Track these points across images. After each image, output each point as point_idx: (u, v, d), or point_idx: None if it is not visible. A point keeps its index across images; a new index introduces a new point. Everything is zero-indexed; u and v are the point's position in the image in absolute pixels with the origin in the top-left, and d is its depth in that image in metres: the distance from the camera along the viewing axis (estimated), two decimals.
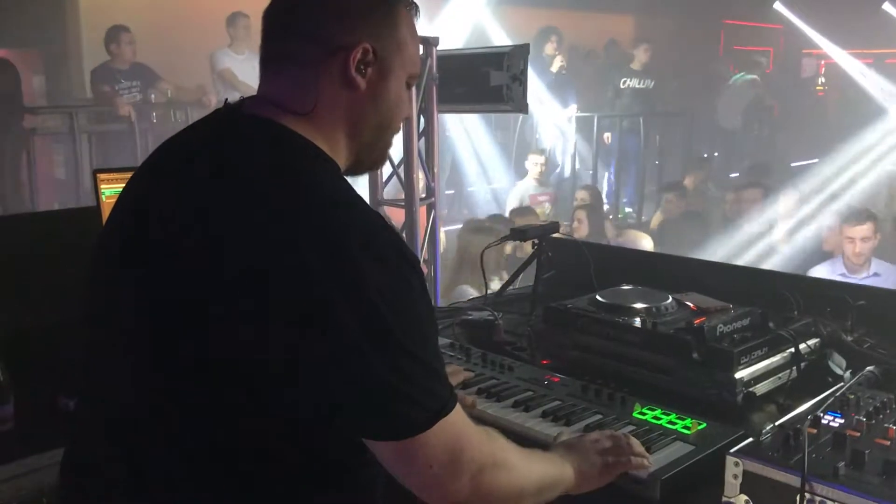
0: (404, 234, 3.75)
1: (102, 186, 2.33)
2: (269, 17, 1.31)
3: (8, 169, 6.66)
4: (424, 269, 4.00)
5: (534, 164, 7.64)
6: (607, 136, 8.88)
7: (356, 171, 1.37)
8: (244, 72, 6.75)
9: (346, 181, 1.25)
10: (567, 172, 8.96)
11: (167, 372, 1.15)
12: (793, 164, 9.58)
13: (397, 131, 1.41)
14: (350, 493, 1.24)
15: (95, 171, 2.38)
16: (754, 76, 10.29)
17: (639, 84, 8.90)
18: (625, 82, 8.84)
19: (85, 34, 8.24)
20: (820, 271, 4.66)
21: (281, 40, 1.29)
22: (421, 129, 3.80)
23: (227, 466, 1.15)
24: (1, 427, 1.86)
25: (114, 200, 1.37)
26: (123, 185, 1.37)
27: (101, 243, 1.31)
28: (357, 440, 1.17)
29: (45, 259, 2.26)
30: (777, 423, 1.45)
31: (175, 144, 1.33)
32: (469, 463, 1.18)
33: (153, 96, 7.16)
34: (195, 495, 1.16)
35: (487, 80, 3.36)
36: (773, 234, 5.73)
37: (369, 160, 1.38)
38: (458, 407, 1.19)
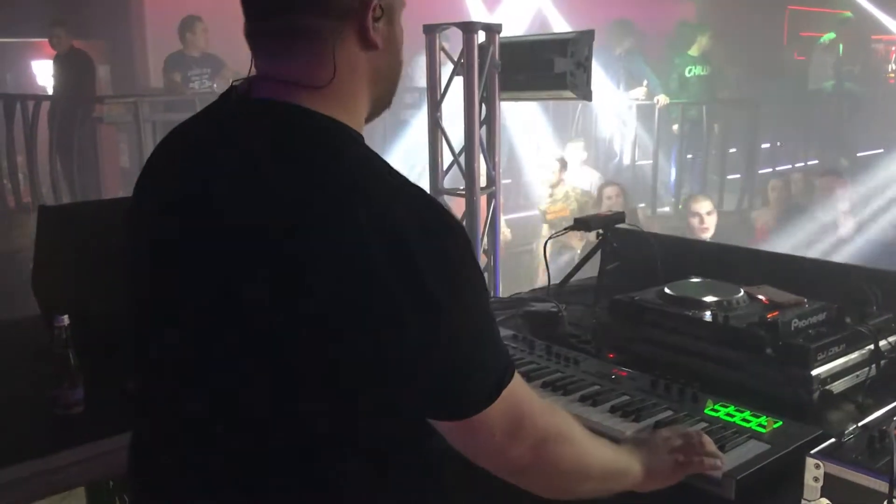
0: (465, 224, 3.72)
1: None
2: None
3: (80, 157, 6.84)
4: (484, 259, 3.96)
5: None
6: (675, 127, 8.67)
7: (371, 118, 1.31)
8: None
9: (382, 159, 1.19)
10: (627, 161, 8.82)
11: (228, 361, 1.14)
12: (859, 154, 9.26)
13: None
14: (415, 473, 1.22)
15: None
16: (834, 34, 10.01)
17: (701, 71, 8.69)
18: (690, 70, 8.64)
19: (149, 25, 8.41)
20: None
21: (279, 15, 1.20)
22: (482, 118, 3.75)
23: (296, 449, 1.13)
24: (72, 411, 1.90)
25: None
26: None
27: (130, 245, 1.31)
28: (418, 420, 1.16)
29: (113, 244, 2.29)
30: (860, 424, 1.39)
31: (190, 136, 1.27)
32: (530, 430, 1.18)
33: (215, 86, 7.26)
34: (266, 477, 1.14)
35: (551, 67, 3.31)
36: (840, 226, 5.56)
37: (384, 103, 1.33)
38: (517, 375, 1.18)
